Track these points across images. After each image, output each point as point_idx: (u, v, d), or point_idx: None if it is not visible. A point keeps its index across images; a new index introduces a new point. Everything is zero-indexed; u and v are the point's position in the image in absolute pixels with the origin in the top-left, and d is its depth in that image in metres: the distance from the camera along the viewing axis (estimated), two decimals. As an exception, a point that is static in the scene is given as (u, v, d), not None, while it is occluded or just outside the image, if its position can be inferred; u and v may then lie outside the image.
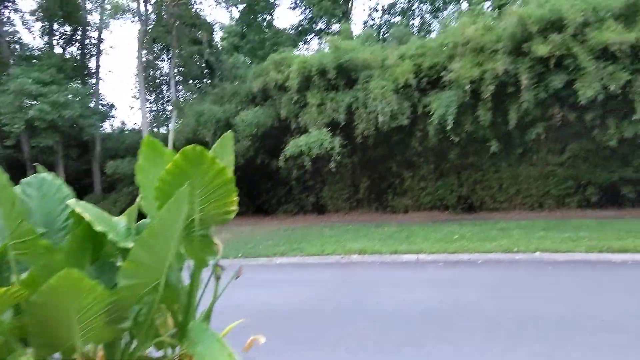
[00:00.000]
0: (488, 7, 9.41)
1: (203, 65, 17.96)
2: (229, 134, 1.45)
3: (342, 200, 12.16)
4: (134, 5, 15.28)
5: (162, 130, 19.10)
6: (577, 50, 6.93)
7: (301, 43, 17.50)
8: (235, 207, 1.33)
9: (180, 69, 17.43)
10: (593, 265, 4.95)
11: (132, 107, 35.70)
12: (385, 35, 14.80)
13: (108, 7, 15.75)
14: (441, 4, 14.96)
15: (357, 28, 19.81)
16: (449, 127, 8.19)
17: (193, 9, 17.46)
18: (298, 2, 16.68)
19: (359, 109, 9.04)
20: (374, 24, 16.82)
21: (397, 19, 15.73)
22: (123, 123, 20.79)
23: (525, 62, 7.56)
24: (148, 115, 18.66)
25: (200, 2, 22.94)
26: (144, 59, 15.96)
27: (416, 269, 5.55)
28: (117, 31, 42.09)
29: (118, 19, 16.23)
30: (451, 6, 14.90)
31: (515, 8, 7.54)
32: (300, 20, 17.54)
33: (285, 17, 42.01)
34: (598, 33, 6.62)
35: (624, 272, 4.65)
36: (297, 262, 6.54)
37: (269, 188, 13.47)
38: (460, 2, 14.28)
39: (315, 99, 9.23)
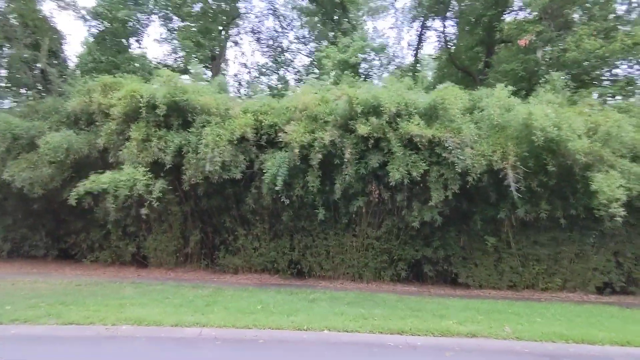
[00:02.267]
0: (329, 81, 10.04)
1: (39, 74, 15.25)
2: None
3: (167, 253, 10.67)
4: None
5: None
6: (390, 135, 7.63)
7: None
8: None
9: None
10: (369, 348, 4.83)
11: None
12: (245, 90, 14.87)
13: None
14: (304, 74, 16.10)
15: (230, 79, 19.73)
16: (277, 188, 7.96)
17: (41, 14, 15.20)
18: (166, 37, 15.84)
19: (189, 153, 8.22)
20: (241, 79, 17.03)
21: (267, 78, 16.27)
22: None
23: (350, 138, 8.02)
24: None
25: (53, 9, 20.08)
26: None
27: (188, 347, 4.63)
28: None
29: None
30: (311, 75, 16.09)
31: (345, 88, 8.10)
32: (167, 57, 16.58)
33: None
34: (405, 125, 7.42)
35: (395, 356, 4.60)
36: (39, 333, 4.92)
37: (79, 229, 11.13)
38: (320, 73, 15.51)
39: (139, 132, 8.13)
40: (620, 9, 11.46)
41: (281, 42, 18.15)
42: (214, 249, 10.77)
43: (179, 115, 8.55)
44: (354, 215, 9.34)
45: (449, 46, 15.91)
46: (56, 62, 17.51)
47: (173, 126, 8.54)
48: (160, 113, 8.07)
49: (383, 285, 9.89)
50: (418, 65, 16.98)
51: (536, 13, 10.98)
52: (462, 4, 14.03)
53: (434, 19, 16.01)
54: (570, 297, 8.95)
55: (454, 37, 16.22)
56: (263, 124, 8.72)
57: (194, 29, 13.99)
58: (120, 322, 5.05)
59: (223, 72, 19.25)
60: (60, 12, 26.41)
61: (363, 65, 12.88)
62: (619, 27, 10.96)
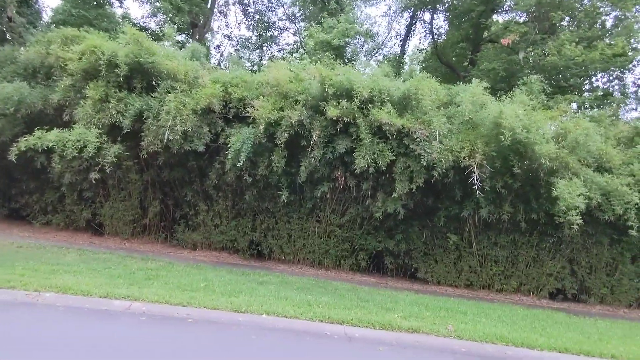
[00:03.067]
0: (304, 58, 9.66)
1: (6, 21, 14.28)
2: None
3: (124, 222, 10.26)
4: None
5: None
6: (360, 121, 7.38)
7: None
8: None
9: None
10: (302, 337, 4.66)
11: None
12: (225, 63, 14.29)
13: None
14: (288, 52, 15.61)
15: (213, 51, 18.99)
16: (240, 164, 7.64)
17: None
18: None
19: (149, 119, 7.78)
20: (223, 51, 16.38)
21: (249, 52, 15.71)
22: None
23: (320, 120, 7.73)
24: None
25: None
26: None
27: (106, 320, 4.35)
28: None
29: None
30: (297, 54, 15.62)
31: (320, 67, 7.77)
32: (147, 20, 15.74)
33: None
34: (376, 112, 7.18)
35: (325, 346, 4.44)
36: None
37: (32, 190, 10.57)
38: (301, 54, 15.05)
39: (96, 92, 7.62)
40: (608, 20, 11.47)
41: (270, 18, 17.54)
42: (173, 223, 10.42)
43: (143, 78, 8.07)
44: (318, 201, 9.13)
45: (435, 39, 15.68)
46: (28, 11, 16.48)
47: (136, 89, 8.06)
48: (121, 73, 7.58)
49: (342, 273, 9.79)
50: (405, 56, 16.75)
51: (523, 14, 10.86)
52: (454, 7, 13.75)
53: (424, 11, 15.71)
54: (523, 300, 9.04)
55: (443, 31, 16.03)
56: (232, 96, 8.33)
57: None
58: (43, 289, 4.73)
59: (208, 42, 18.50)
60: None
61: (348, 49, 12.54)
62: (606, 39, 10.95)
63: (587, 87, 10.84)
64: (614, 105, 9.38)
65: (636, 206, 7.15)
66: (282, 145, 7.58)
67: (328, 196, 8.91)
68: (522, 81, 8.65)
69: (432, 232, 9.39)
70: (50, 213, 10.61)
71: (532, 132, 6.96)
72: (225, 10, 18.01)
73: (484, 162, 7.35)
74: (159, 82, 8.01)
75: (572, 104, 8.88)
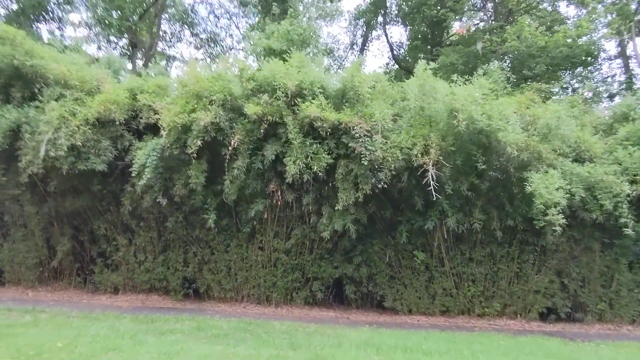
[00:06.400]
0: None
1: None
2: None
3: (27, 267, 8.48)
4: None
5: None
6: (288, 119, 6.05)
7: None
8: None
9: None
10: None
11: None
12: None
13: None
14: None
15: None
16: (143, 182, 6.14)
17: None
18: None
19: (27, 133, 6.28)
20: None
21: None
22: None
23: (243, 122, 6.37)
24: None
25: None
26: None
27: None
28: None
29: None
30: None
31: (237, 61, 6.52)
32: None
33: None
34: (305, 106, 5.87)
35: None
36: None
37: None
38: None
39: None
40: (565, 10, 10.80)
41: (218, 34, 16.71)
42: (91, 263, 8.68)
43: (25, 85, 6.62)
44: (255, 223, 7.61)
45: (391, 44, 14.94)
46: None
47: (15, 99, 6.59)
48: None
49: (295, 309, 8.13)
50: (363, 66, 15.99)
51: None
52: (406, 4, 13.07)
53: (377, 16, 14.98)
54: (509, 325, 7.54)
55: (404, 39, 15.36)
56: (140, 103, 6.94)
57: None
58: None
59: (157, 64, 17.36)
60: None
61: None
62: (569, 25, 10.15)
63: (554, 80, 10.02)
64: (585, 93, 8.46)
65: (628, 198, 5.88)
66: (195, 155, 6.14)
67: (266, 216, 7.41)
68: (482, 70, 7.54)
69: (396, 251, 7.91)
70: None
71: (493, 118, 5.73)
72: (172, 31, 17.12)
73: (441, 159, 6.04)
74: (43, 88, 6.57)
75: (540, 92, 7.86)
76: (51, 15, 16.28)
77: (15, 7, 15.77)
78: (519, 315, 7.78)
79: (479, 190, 6.82)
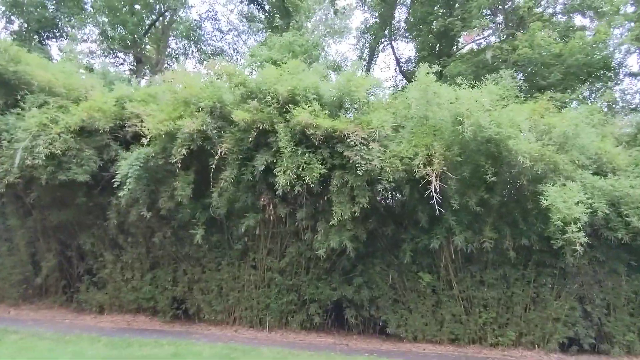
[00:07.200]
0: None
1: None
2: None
3: (10, 284, 8.11)
4: None
5: None
6: (280, 127, 5.63)
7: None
8: None
9: None
10: None
11: None
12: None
13: None
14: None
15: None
16: (124, 193, 5.75)
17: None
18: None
19: (5, 141, 6.00)
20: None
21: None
22: None
23: (232, 130, 5.97)
24: None
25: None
26: None
27: None
28: None
29: None
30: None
31: (225, 66, 6.17)
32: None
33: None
34: (297, 112, 5.44)
35: None
36: None
37: None
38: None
39: None
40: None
41: (221, 48, 16.75)
42: (78, 280, 8.26)
43: (8, 92, 6.39)
44: (247, 240, 7.11)
45: (398, 57, 14.63)
46: None
47: (-6, 107, 6.37)
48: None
49: (290, 334, 7.50)
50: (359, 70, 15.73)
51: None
52: (412, 16, 12.82)
53: (384, 29, 14.73)
54: (526, 356, 6.77)
55: (412, 53, 15.05)
56: (128, 112, 6.63)
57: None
58: None
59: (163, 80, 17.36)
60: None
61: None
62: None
63: (570, 90, 9.42)
64: (606, 103, 7.86)
65: (659, 216, 5.21)
66: (180, 165, 5.74)
67: (258, 232, 6.91)
68: (491, 78, 7.03)
69: (399, 271, 7.28)
70: None
71: (503, 125, 5.19)
72: (178, 47, 17.22)
73: (446, 170, 5.49)
74: (26, 96, 6.32)
75: (554, 101, 7.30)
76: (60, 32, 16.55)
77: (23, 24, 16.04)
78: (536, 346, 6.99)
79: (489, 206, 6.22)
